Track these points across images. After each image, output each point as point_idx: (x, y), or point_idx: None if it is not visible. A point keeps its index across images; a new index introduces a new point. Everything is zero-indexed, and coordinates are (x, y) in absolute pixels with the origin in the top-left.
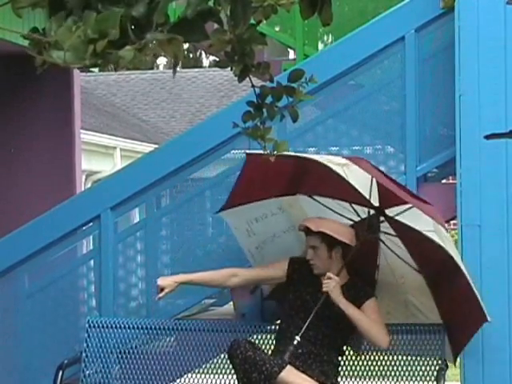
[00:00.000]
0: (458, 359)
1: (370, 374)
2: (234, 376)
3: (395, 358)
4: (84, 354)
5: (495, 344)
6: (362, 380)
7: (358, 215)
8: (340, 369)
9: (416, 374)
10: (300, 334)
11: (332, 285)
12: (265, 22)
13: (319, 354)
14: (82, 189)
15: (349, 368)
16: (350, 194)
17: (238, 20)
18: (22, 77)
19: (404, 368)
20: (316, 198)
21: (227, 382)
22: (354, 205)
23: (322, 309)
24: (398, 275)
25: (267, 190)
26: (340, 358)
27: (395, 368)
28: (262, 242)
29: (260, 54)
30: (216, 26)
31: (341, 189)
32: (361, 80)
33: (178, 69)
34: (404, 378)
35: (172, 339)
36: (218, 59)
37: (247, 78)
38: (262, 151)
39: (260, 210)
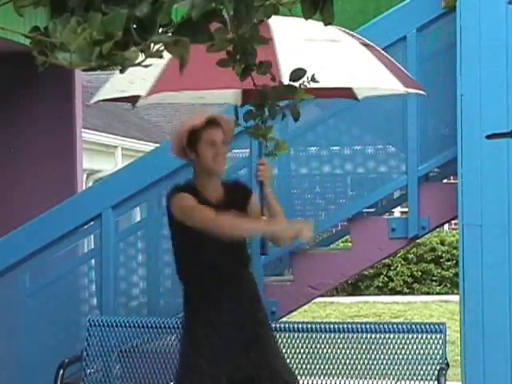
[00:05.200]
0: (459, 358)
1: (370, 373)
2: None
3: (396, 357)
4: (85, 353)
5: (496, 343)
6: (363, 379)
7: None
8: None
9: (417, 373)
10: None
11: (266, 173)
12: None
13: None
14: (83, 188)
15: (349, 367)
16: None
17: (242, 20)
18: (23, 76)
19: (405, 367)
20: None
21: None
22: None
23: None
24: None
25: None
26: None
27: (396, 367)
28: None
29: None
30: (217, 25)
31: None
32: None
33: None
34: (405, 378)
35: (173, 338)
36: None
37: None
38: None
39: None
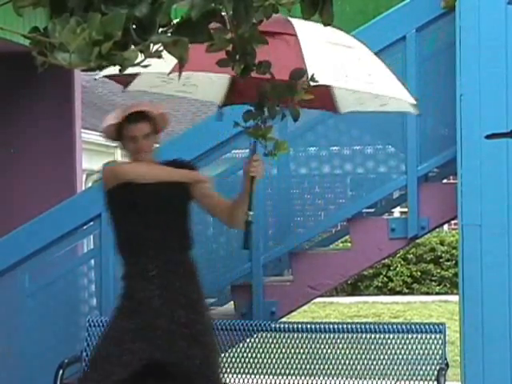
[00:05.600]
0: (458, 358)
1: (370, 373)
2: (235, 375)
3: (396, 357)
4: (84, 353)
5: (496, 343)
6: (363, 380)
7: None
8: None
9: (416, 373)
10: None
11: (259, 169)
12: (266, 21)
13: None
14: (83, 188)
15: (349, 368)
16: None
17: (241, 20)
18: (23, 76)
19: (404, 368)
20: None
21: (228, 381)
22: None
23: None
24: None
25: None
26: None
27: (395, 368)
28: None
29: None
30: (217, 25)
31: None
32: None
33: None
34: (404, 378)
35: None
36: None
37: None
38: None
39: None
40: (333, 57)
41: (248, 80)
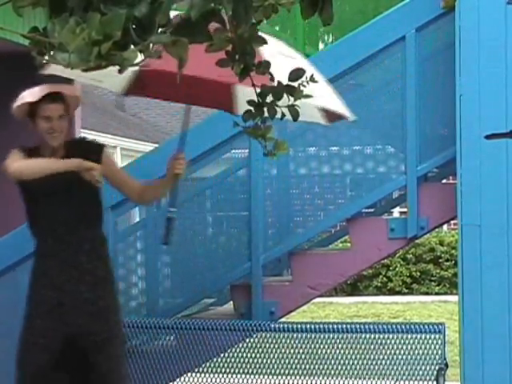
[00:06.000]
0: (458, 358)
1: (369, 373)
2: (235, 375)
3: (395, 357)
4: None
5: (495, 343)
6: (362, 380)
7: None
8: None
9: (416, 373)
10: None
11: (183, 167)
12: (265, 21)
13: None
14: None
15: (348, 367)
16: None
17: (241, 20)
18: (22, 76)
19: (404, 368)
20: None
21: (227, 381)
22: None
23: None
24: None
25: None
26: None
27: (395, 368)
28: None
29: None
30: (216, 25)
31: None
32: (361, 80)
33: None
34: (404, 378)
35: (172, 338)
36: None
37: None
38: None
39: None
40: (286, 67)
41: (160, 76)
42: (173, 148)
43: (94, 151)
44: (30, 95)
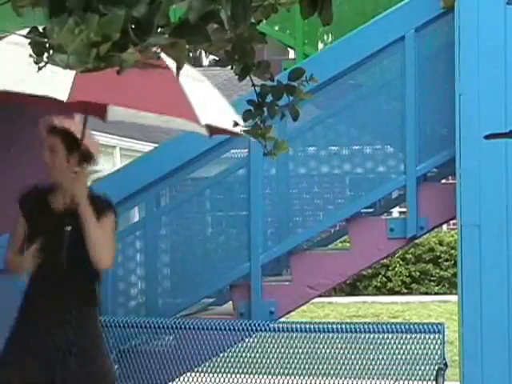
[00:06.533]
0: (457, 358)
1: (368, 373)
2: (234, 375)
3: (394, 357)
4: None
5: (494, 344)
6: (361, 380)
7: None
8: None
9: (415, 373)
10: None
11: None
12: (265, 21)
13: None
14: None
15: (347, 367)
16: None
17: (239, 20)
18: None
19: (403, 367)
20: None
21: (227, 380)
22: None
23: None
24: None
25: None
26: None
27: (394, 367)
28: None
29: (260, 53)
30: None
31: None
32: (361, 80)
33: None
34: (403, 378)
35: (171, 338)
36: (217, 58)
37: (247, 77)
38: None
39: None
40: (198, 92)
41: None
42: (172, 148)
43: (99, 209)
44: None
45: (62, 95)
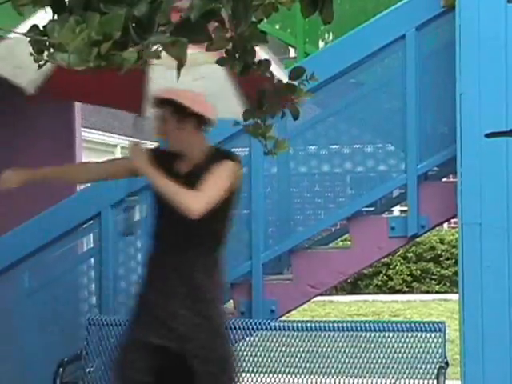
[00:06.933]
0: (458, 357)
1: (369, 372)
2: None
3: (395, 355)
4: (84, 352)
5: (495, 342)
6: (362, 378)
7: None
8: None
9: (416, 372)
10: None
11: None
12: (265, 20)
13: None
14: (83, 187)
15: (349, 366)
16: None
17: (240, 18)
18: None
19: (404, 366)
20: None
21: None
22: None
23: None
24: None
25: None
26: None
27: (395, 366)
28: None
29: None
30: (216, 23)
31: None
32: (361, 78)
33: None
34: (404, 376)
35: None
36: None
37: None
38: None
39: None
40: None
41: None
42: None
43: (216, 161)
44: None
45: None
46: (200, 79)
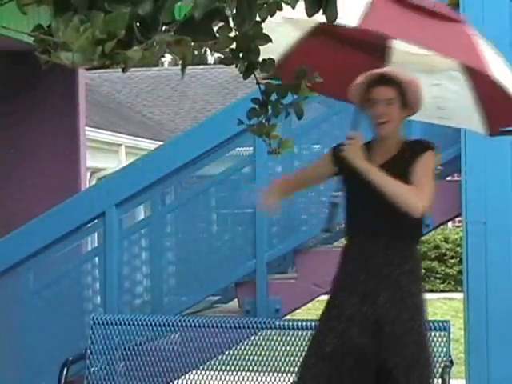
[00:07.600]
0: (463, 356)
1: None
2: (239, 373)
3: None
4: (89, 351)
5: (500, 341)
6: None
7: None
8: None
9: None
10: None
11: (352, 147)
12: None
13: None
14: (87, 186)
15: None
16: None
17: (244, 17)
18: (27, 74)
19: None
20: None
21: (232, 378)
22: None
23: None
24: None
25: None
26: None
27: None
28: None
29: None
30: (219, 23)
31: None
32: None
33: None
34: None
35: (177, 336)
36: (222, 56)
37: (252, 75)
38: None
39: None
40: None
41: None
42: (177, 146)
43: (416, 152)
44: (364, 77)
45: (352, 22)
46: (437, 86)
